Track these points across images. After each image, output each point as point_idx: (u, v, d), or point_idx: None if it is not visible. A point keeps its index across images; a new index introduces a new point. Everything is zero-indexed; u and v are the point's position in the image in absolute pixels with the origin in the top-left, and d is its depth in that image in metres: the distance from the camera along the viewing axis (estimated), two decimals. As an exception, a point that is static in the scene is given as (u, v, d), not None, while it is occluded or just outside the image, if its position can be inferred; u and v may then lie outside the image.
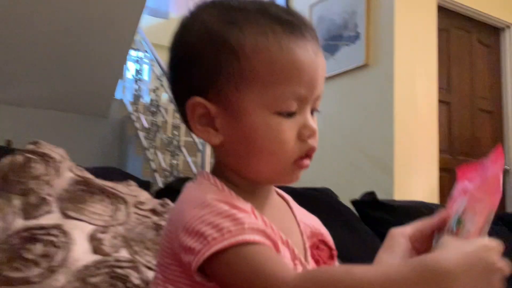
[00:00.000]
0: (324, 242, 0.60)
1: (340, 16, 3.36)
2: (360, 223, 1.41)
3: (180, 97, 0.53)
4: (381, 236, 1.37)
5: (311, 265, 0.56)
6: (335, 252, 0.61)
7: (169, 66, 0.55)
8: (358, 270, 0.41)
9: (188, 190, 0.52)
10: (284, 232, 0.52)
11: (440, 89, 3.26)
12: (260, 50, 0.48)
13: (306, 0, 3.75)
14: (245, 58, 0.49)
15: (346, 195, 1.57)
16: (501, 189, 0.50)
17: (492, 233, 1.40)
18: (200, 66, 0.51)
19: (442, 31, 3.35)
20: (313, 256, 0.57)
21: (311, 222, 0.61)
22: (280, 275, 0.41)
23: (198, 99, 0.51)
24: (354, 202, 1.54)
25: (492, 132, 3.61)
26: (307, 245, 0.57)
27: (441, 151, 3.20)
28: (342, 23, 3.33)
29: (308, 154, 0.52)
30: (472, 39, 3.58)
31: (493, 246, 0.43)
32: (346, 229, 1.30)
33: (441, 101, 3.26)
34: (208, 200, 0.46)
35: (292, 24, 0.50)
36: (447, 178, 3.29)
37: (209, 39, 0.50)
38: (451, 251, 0.43)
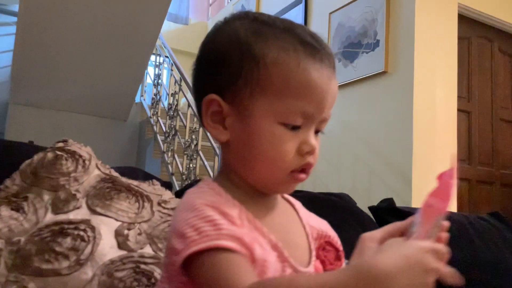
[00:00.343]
0: (331, 244, 0.63)
1: (359, 23, 3.36)
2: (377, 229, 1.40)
3: (200, 92, 0.57)
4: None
5: (316, 265, 0.58)
6: (342, 253, 0.63)
7: (196, 62, 0.59)
8: (301, 279, 0.44)
9: (186, 195, 0.55)
10: (284, 234, 0.55)
11: (460, 98, 3.23)
12: (279, 63, 0.52)
13: (325, 7, 3.77)
14: (264, 67, 0.52)
15: (364, 202, 1.57)
16: (450, 196, 0.51)
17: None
18: (224, 67, 0.54)
19: (463, 40, 3.33)
20: (319, 257, 0.60)
21: (319, 225, 0.64)
22: (235, 284, 0.44)
23: (215, 96, 0.54)
24: (372, 209, 1.54)
25: (513, 143, 3.56)
26: (313, 246, 0.60)
27: (460, 160, 3.16)
28: (361, 30, 3.34)
29: (304, 169, 0.55)
30: (493, 48, 3.54)
31: (431, 248, 0.44)
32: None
33: (460, 110, 3.22)
34: (197, 204, 0.49)
35: (313, 47, 0.54)
36: (466, 188, 3.25)
37: (236, 44, 0.54)
38: (389, 253, 0.45)
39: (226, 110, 0.54)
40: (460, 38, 3.24)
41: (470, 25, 3.39)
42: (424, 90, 2.98)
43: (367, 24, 3.29)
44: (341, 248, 0.63)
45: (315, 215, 0.66)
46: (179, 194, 1.07)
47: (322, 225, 0.64)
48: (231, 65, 0.54)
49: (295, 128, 0.53)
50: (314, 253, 0.59)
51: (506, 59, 3.61)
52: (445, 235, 0.50)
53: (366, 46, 3.27)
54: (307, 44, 0.53)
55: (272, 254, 0.52)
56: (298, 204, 0.65)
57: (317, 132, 0.56)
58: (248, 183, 0.55)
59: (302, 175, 0.55)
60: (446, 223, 0.51)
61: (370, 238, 0.55)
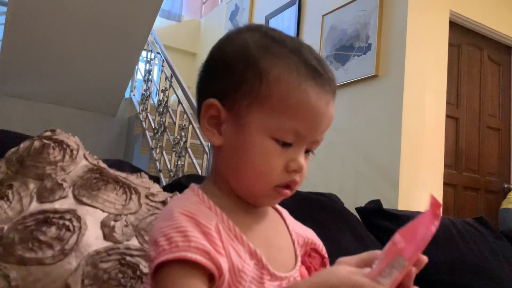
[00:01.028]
0: (316, 251, 0.64)
1: (352, 26, 3.38)
2: (364, 230, 1.41)
3: (202, 94, 0.59)
4: (384, 244, 1.38)
5: (301, 271, 0.60)
6: (327, 260, 0.64)
7: (203, 65, 0.61)
8: None
9: (172, 200, 0.57)
10: (268, 239, 0.57)
11: (449, 104, 3.27)
12: (281, 81, 0.53)
13: (318, 9, 3.78)
14: (266, 83, 0.54)
15: (350, 203, 1.58)
16: (418, 239, 0.47)
17: (495, 248, 1.39)
18: (228, 74, 0.56)
19: (453, 47, 3.37)
20: (305, 263, 0.62)
21: (305, 232, 0.65)
22: None
23: (215, 101, 0.56)
24: (359, 210, 1.54)
25: (498, 150, 3.61)
26: (298, 252, 0.61)
27: (446, 166, 3.20)
28: (354, 33, 3.35)
29: (289, 185, 0.56)
30: (483, 56, 3.59)
31: (358, 285, 0.45)
32: (350, 235, 1.31)
33: (449, 116, 3.26)
34: (174, 213, 0.50)
35: (316, 71, 0.55)
36: (451, 193, 3.29)
37: (243, 55, 0.56)
38: (310, 279, 0.48)
39: (223, 116, 0.56)
40: (450, 45, 3.28)
41: (461, 33, 3.44)
42: (414, 95, 3.01)
43: (360, 27, 3.31)
44: (326, 255, 0.65)
45: (301, 224, 0.68)
46: (166, 189, 1.06)
47: (308, 233, 0.66)
48: (234, 74, 0.55)
49: (285, 144, 0.54)
50: (299, 258, 0.60)
51: (495, 68, 3.66)
52: (409, 278, 0.49)
53: (358, 50, 3.29)
54: (311, 67, 0.55)
55: (249, 262, 0.53)
56: (285, 212, 0.66)
57: (307, 152, 0.58)
58: (233, 190, 0.57)
59: (286, 191, 0.56)
60: (422, 262, 0.49)
61: (345, 262, 0.54)
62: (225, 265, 0.49)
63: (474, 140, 3.46)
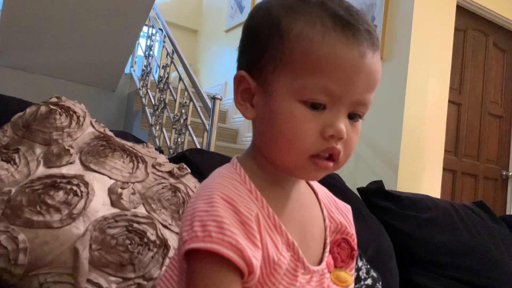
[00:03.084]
0: (347, 241, 0.60)
1: (358, 7, 3.33)
2: (366, 210, 1.42)
3: (237, 69, 0.56)
4: (385, 224, 1.39)
5: (328, 261, 0.57)
6: (355, 252, 0.61)
7: (240, 39, 0.57)
8: None
9: (213, 175, 0.54)
10: (303, 227, 0.55)
11: (452, 89, 3.25)
12: (303, 38, 0.49)
13: (324, -11, 3.72)
14: (288, 42, 0.49)
15: (349, 185, 1.58)
16: None
17: (494, 232, 1.40)
18: (254, 43, 0.53)
19: (459, 32, 3.33)
20: (332, 253, 0.59)
21: (340, 218, 0.61)
22: None
23: (243, 73, 0.53)
24: (360, 190, 1.54)
25: (499, 137, 3.61)
26: (328, 240, 0.58)
27: (447, 151, 3.20)
28: (359, 14, 3.31)
29: (329, 154, 0.51)
30: (488, 42, 3.56)
31: None
32: (352, 214, 1.31)
33: (451, 102, 3.25)
34: (215, 197, 0.48)
35: (345, 21, 0.49)
36: (450, 178, 3.30)
37: (267, 20, 0.52)
38: None
39: (253, 87, 0.53)
40: (456, 30, 3.25)
41: (467, 17, 3.40)
42: (418, 79, 2.99)
43: (365, 8, 3.26)
44: (356, 247, 0.61)
45: (339, 202, 0.64)
46: (171, 162, 1.06)
47: (343, 219, 0.62)
48: (259, 40, 0.52)
49: (317, 107, 0.49)
50: (328, 248, 0.58)
51: (500, 54, 3.63)
52: None
53: (363, 31, 3.25)
54: (338, 17, 0.49)
55: (286, 254, 0.51)
56: (321, 191, 0.63)
57: (353, 117, 0.52)
58: (271, 164, 0.53)
59: (325, 163, 0.50)
60: None
61: None
62: (257, 263, 0.47)
63: (475, 127, 3.46)
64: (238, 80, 0.54)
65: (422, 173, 2.99)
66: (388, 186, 1.54)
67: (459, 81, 3.37)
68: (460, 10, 3.29)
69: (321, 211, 0.60)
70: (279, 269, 0.50)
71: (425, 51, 3.03)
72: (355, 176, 3.06)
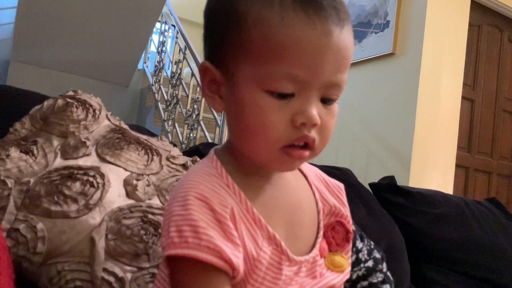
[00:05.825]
0: (342, 224, 0.57)
1: (370, 2, 3.31)
2: (378, 205, 1.42)
3: (204, 58, 0.53)
4: (397, 219, 1.39)
5: (321, 245, 0.55)
6: (351, 235, 0.58)
7: (203, 26, 0.54)
8: None
9: (189, 170, 0.52)
10: (290, 213, 0.52)
11: (465, 85, 3.22)
12: (261, 21, 0.44)
13: (337, -15, 3.70)
14: (246, 28, 0.45)
15: (361, 181, 1.57)
16: None
17: (507, 228, 1.39)
18: (213, 32, 0.50)
19: (473, 27, 3.29)
20: (326, 238, 0.56)
21: (332, 200, 0.58)
22: None
23: (207, 63, 0.50)
24: (372, 185, 1.54)
25: (513, 134, 3.57)
26: (322, 224, 0.56)
27: (459, 148, 3.17)
28: (372, 10, 3.29)
29: (304, 143, 0.47)
30: (503, 37, 3.51)
31: None
32: (364, 209, 1.32)
33: (464, 98, 3.22)
34: (189, 199, 0.46)
35: None
36: (463, 175, 3.27)
37: (223, 7, 0.48)
38: None
39: (218, 78, 0.49)
40: (470, 25, 3.21)
41: (481, 13, 3.35)
42: (431, 74, 2.97)
43: (378, 4, 3.24)
44: (351, 229, 0.58)
45: (333, 182, 0.60)
46: (184, 155, 1.07)
47: (335, 199, 0.59)
48: (218, 30, 0.48)
49: (283, 96, 0.45)
50: (321, 232, 0.55)
51: (514, 50, 3.58)
52: None
53: (376, 26, 3.23)
54: None
55: (267, 248, 0.49)
56: (311, 173, 0.59)
57: (326, 101, 0.48)
58: (246, 157, 0.50)
59: (300, 152, 0.47)
60: None
61: None
62: (238, 260, 0.46)
63: (489, 123, 3.42)
64: (202, 71, 0.50)
65: (434, 170, 2.97)
66: (400, 183, 1.54)
67: (472, 77, 3.33)
68: (475, 5, 3.25)
69: (313, 194, 0.57)
70: (259, 265, 0.48)
71: (439, 47, 3.00)
72: (366, 173, 3.05)
